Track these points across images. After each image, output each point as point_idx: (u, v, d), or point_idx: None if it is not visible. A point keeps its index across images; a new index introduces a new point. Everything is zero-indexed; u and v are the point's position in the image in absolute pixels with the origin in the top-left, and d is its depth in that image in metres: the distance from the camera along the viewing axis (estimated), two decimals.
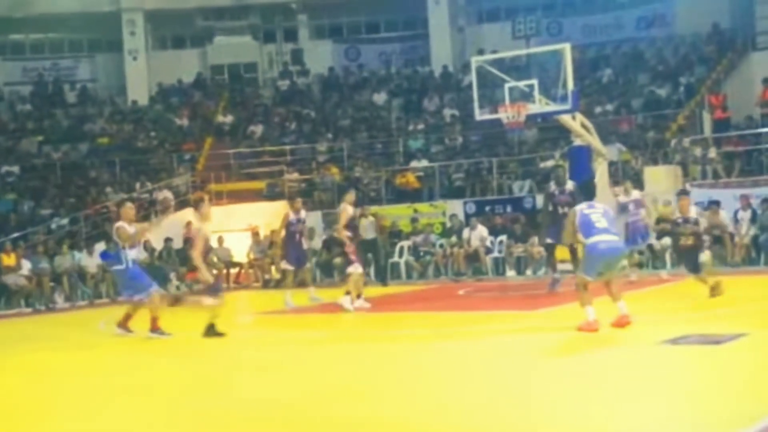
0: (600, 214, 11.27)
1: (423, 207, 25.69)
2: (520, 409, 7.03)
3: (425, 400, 7.60)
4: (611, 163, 22.82)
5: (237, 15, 37.32)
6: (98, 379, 9.86)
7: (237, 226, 26.01)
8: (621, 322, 10.92)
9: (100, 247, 23.44)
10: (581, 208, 11.40)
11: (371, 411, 7.32)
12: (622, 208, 17.61)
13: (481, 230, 22.58)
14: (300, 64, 37.14)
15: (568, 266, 20.56)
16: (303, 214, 17.40)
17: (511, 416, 6.83)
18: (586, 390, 7.69)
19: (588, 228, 11.21)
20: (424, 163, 27.80)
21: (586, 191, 12.03)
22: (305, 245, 17.84)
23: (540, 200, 23.58)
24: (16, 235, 23.90)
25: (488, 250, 22.35)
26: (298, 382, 8.87)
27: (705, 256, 16.00)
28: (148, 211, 27.15)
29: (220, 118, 33.93)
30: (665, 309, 13.42)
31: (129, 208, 13.85)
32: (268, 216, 26.42)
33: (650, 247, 18.11)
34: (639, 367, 8.53)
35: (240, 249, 25.18)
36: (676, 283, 17.27)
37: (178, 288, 24.03)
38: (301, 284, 17.54)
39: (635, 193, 17.70)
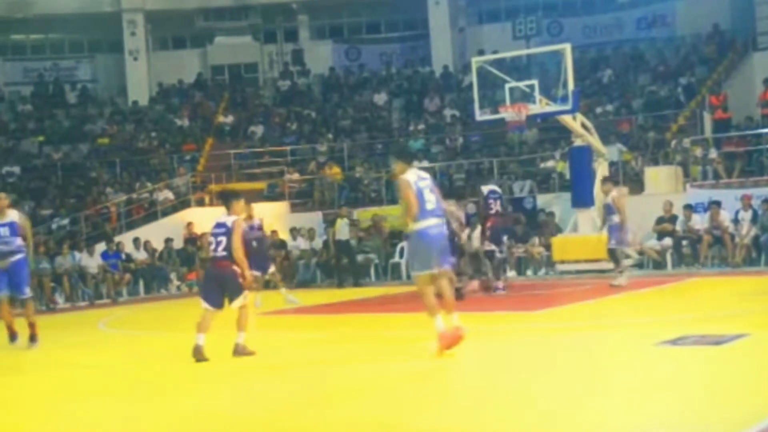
0: (429, 189, 9.55)
1: None
2: (520, 409, 7.04)
3: (426, 400, 7.61)
4: (611, 164, 22.83)
5: (237, 15, 37.31)
6: (99, 379, 9.86)
7: None
8: (453, 339, 9.29)
9: (101, 247, 23.49)
10: (413, 178, 9.53)
11: (372, 412, 7.32)
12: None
13: None
14: (300, 64, 37.14)
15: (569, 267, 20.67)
16: (257, 220, 17.39)
17: (511, 417, 6.83)
18: (586, 391, 7.69)
19: (420, 206, 9.46)
20: (425, 163, 27.77)
21: (402, 154, 10.32)
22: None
23: (541, 201, 23.66)
24: None
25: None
26: (296, 384, 8.88)
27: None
28: (149, 210, 27.20)
29: (221, 119, 33.96)
30: (664, 309, 13.42)
31: (3, 198, 13.18)
32: (269, 217, 26.43)
33: (611, 252, 17.37)
34: (638, 368, 8.53)
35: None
36: (674, 284, 17.29)
37: (178, 288, 24.05)
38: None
39: (610, 196, 17.21)
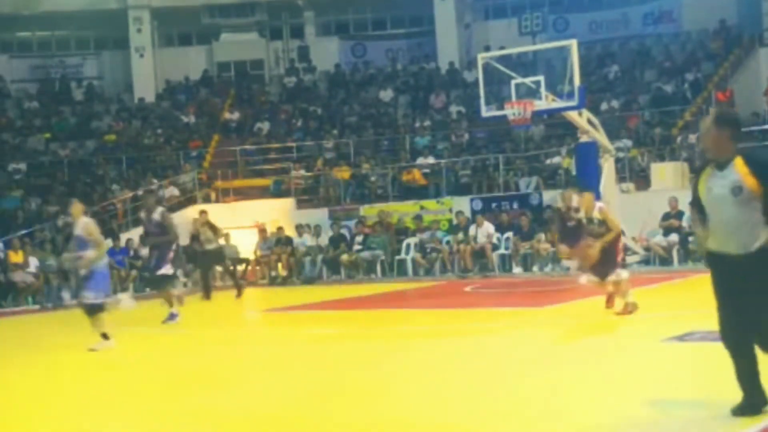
0: None
1: (429, 204, 25.67)
2: (526, 405, 7.04)
3: (430, 397, 7.61)
4: (617, 160, 22.81)
5: (243, 12, 37.30)
6: (105, 376, 9.88)
7: (244, 223, 26.03)
8: None
9: (107, 244, 23.50)
10: None
11: (375, 408, 7.33)
12: None
13: (488, 227, 22.56)
14: (306, 60, 37.15)
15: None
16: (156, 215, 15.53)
17: (516, 412, 6.84)
18: (592, 386, 7.69)
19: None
20: (431, 159, 27.80)
21: None
22: None
23: (547, 197, 23.65)
24: (23, 232, 23.95)
25: (495, 247, 22.33)
26: (303, 380, 8.89)
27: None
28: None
29: (227, 115, 33.97)
30: (671, 305, 13.42)
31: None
32: (275, 213, 26.48)
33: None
34: (645, 364, 8.52)
35: (247, 246, 25.20)
36: (681, 280, 17.28)
37: (185, 285, 24.06)
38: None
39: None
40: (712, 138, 6.06)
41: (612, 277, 11.95)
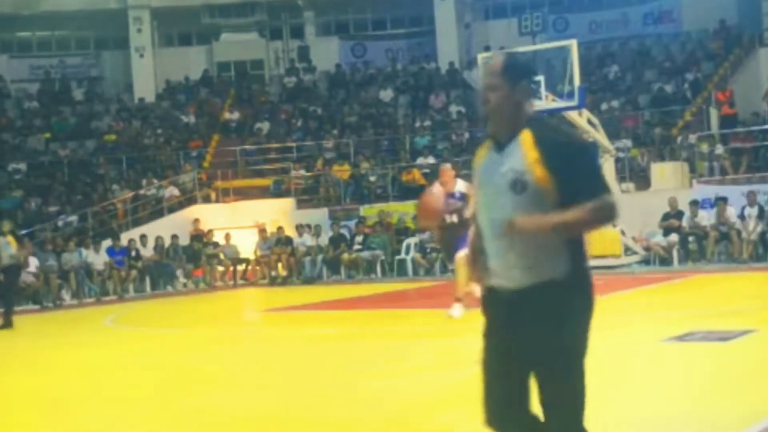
0: None
1: None
2: None
3: (430, 396, 7.61)
4: (617, 160, 22.80)
5: (243, 12, 37.30)
6: (105, 376, 9.88)
7: (244, 223, 26.04)
8: None
9: (107, 243, 23.53)
10: None
11: (374, 408, 7.33)
12: None
13: None
14: (306, 60, 37.15)
15: None
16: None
17: None
18: (592, 386, 7.68)
19: None
20: (431, 159, 27.79)
21: None
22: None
23: None
24: (23, 232, 23.94)
25: None
26: (303, 380, 8.89)
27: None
28: (155, 207, 27.23)
29: (227, 115, 33.97)
30: (671, 305, 13.41)
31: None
32: (275, 213, 26.49)
33: None
34: (645, 364, 8.52)
35: (247, 246, 25.22)
36: (681, 280, 17.28)
37: (185, 285, 24.07)
38: None
39: None
40: (499, 95, 3.94)
41: None
